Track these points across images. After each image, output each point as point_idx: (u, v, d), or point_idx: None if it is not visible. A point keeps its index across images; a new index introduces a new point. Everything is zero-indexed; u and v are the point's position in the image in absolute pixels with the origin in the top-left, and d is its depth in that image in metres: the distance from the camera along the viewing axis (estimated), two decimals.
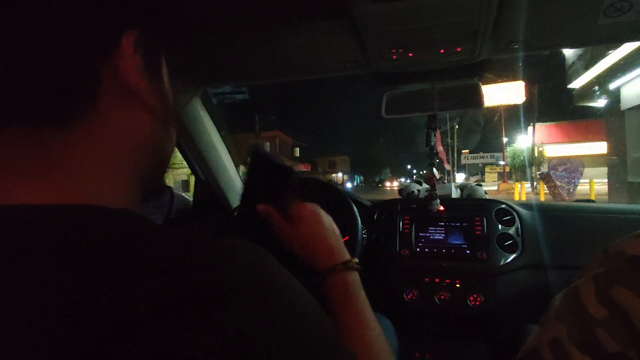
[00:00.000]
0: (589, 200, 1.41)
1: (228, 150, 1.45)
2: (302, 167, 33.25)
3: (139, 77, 0.32)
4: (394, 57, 0.90)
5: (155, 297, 0.23)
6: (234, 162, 1.52)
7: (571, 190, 9.91)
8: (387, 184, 56.38)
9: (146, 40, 0.33)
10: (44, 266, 0.24)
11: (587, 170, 10.68)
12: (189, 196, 1.43)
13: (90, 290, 0.23)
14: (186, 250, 0.27)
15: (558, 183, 9.99)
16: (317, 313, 0.31)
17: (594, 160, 14.77)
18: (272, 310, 0.26)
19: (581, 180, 10.21)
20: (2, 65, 0.26)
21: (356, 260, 0.60)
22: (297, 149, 36.14)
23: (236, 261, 0.28)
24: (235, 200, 1.48)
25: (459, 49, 0.87)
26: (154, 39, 0.35)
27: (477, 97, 1.07)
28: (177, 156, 1.31)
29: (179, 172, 14.70)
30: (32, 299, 0.22)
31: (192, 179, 1.47)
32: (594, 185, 9.44)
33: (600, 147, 14.50)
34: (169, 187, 1.03)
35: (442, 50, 0.88)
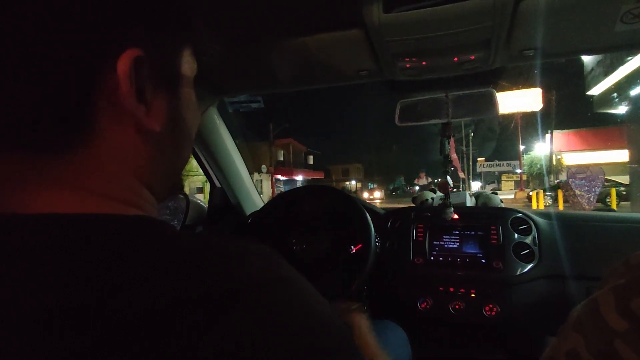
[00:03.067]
0: (609, 209, 1.38)
1: (243, 157, 1.48)
2: (316, 175, 33.26)
3: (136, 101, 0.30)
4: (407, 65, 0.90)
5: (163, 298, 0.23)
6: (248, 169, 1.54)
7: (591, 199, 9.64)
8: (365, 194, 37.43)
9: (150, 59, 0.31)
10: (55, 271, 0.24)
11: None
12: (203, 203, 1.45)
13: (96, 292, 0.23)
14: (198, 251, 0.28)
15: (577, 192, 9.74)
16: (330, 313, 0.31)
17: (615, 168, 14.35)
18: (284, 309, 0.26)
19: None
20: None
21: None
22: (311, 157, 36.21)
23: (247, 262, 0.28)
24: (249, 206, 1.49)
25: (472, 57, 0.87)
26: (161, 57, 0.33)
27: (492, 104, 1.06)
28: (193, 163, 1.34)
29: (194, 180, 14.90)
30: (44, 301, 0.23)
31: (207, 186, 1.50)
32: (615, 194, 9.21)
33: (621, 155, 14.10)
34: (185, 194, 1.05)
35: (455, 59, 0.88)
